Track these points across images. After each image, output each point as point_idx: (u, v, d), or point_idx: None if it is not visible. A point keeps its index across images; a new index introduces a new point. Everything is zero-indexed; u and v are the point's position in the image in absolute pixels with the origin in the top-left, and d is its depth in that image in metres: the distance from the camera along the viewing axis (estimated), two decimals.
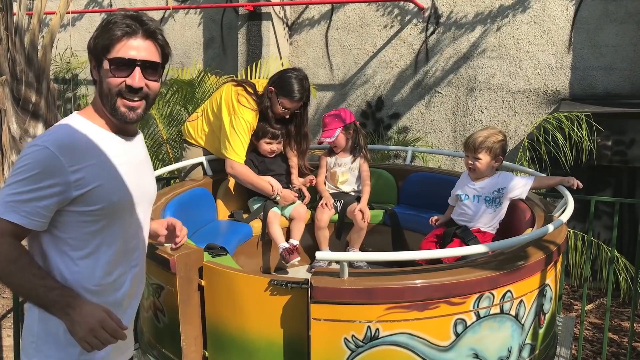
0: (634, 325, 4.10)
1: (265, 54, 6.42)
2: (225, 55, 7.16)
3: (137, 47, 1.64)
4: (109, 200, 1.64)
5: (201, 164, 3.68)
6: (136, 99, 1.65)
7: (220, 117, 3.47)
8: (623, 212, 5.37)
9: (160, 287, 2.40)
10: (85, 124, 1.67)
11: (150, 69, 1.66)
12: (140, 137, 1.86)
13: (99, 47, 1.65)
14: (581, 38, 5.66)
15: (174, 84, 5.48)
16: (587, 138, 4.94)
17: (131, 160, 1.75)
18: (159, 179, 4.25)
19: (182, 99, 5.50)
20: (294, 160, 3.82)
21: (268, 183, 3.51)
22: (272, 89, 3.44)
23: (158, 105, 5.44)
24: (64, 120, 1.68)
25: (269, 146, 3.59)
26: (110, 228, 1.68)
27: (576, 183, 2.96)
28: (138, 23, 1.65)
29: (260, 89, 3.53)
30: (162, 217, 2.78)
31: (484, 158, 3.01)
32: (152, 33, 1.67)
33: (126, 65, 1.63)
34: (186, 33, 7.37)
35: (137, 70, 1.63)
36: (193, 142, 3.73)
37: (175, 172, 4.13)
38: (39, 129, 3.65)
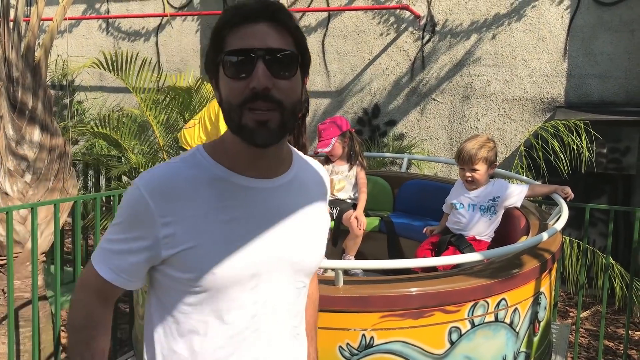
0: (629, 332, 4.10)
1: None
2: None
3: (256, 33, 1.15)
4: (204, 269, 1.17)
5: None
6: (264, 108, 1.14)
7: (218, 125, 3.48)
8: (618, 220, 5.38)
9: None
10: (200, 159, 1.23)
11: (279, 62, 1.14)
12: (295, 179, 1.30)
13: (211, 50, 1.22)
14: (576, 46, 5.69)
15: (171, 91, 5.49)
16: (585, 146, 4.96)
17: (261, 213, 1.23)
18: None
19: (178, 106, 5.51)
20: None
21: None
22: None
23: (154, 112, 5.45)
24: (182, 154, 1.28)
25: None
26: (213, 304, 1.21)
27: (570, 193, 2.98)
28: (255, 5, 1.17)
29: None
30: None
31: (481, 168, 3.02)
32: (277, 13, 1.17)
33: (244, 61, 1.14)
34: (183, 40, 7.39)
35: (260, 64, 1.12)
36: (189, 148, 3.75)
37: None
38: (35, 134, 3.64)
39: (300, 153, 1.39)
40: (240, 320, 1.22)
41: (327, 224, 1.41)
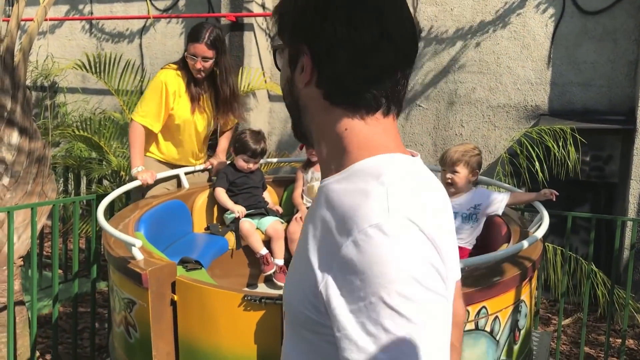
0: (610, 339, 4.12)
1: (247, 64, 6.40)
2: None
3: None
4: None
5: (177, 176, 3.65)
6: None
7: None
8: (600, 228, 5.41)
9: (132, 302, 2.36)
10: None
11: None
12: (324, 190, 0.98)
13: None
14: (560, 54, 5.72)
15: None
16: (573, 153, 4.98)
17: None
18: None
19: None
20: (222, 144, 3.85)
21: (139, 159, 3.42)
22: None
23: None
24: None
25: (246, 164, 3.58)
26: None
27: (551, 194, 2.98)
28: None
29: None
30: (135, 231, 2.74)
31: (462, 172, 3.02)
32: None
33: None
34: (167, 42, 7.34)
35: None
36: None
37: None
38: (14, 137, 3.59)
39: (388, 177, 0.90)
40: None
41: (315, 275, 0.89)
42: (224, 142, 3.90)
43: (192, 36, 3.37)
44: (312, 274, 0.87)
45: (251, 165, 3.59)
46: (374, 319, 0.79)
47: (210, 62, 3.38)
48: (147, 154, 3.64)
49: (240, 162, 3.59)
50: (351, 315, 0.80)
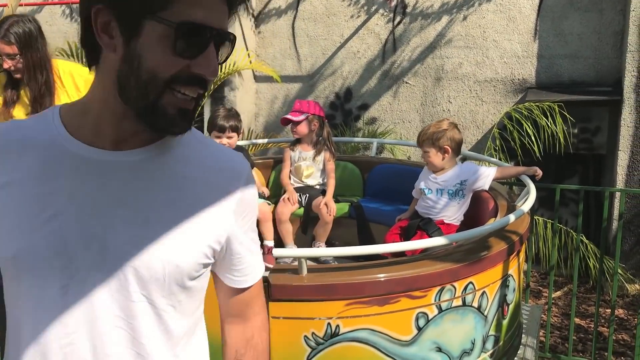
0: (600, 310, 4.14)
1: None
2: None
3: (213, 6, 0.94)
4: (2, 250, 0.97)
5: None
6: (194, 94, 0.96)
7: None
8: (590, 199, 5.42)
9: None
10: (48, 119, 1.02)
11: (225, 48, 0.99)
12: (159, 159, 1.01)
13: None
14: (546, 26, 5.67)
15: None
16: (560, 128, 4.97)
17: (92, 189, 0.97)
18: None
19: None
20: None
21: None
22: None
23: None
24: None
25: (219, 140, 3.50)
26: (20, 305, 1.00)
27: (539, 172, 2.97)
28: None
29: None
30: None
31: (430, 151, 3.02)
32: None
33: (197, 40, 0.92)
34: None
35: (212, 48, 0.94)
36: None
37: None
38: None
39: (205, 139, 1.11)
40: (48, 336, 0.97)
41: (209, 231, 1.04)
42: None
43: None
44: (211, 223, 1.04)
45: (224, 141, 3.48)
46: (254, 230, 1.16)
47: (18, 58, 2.99)
48: None
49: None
50: (245, 235, 1.12)
